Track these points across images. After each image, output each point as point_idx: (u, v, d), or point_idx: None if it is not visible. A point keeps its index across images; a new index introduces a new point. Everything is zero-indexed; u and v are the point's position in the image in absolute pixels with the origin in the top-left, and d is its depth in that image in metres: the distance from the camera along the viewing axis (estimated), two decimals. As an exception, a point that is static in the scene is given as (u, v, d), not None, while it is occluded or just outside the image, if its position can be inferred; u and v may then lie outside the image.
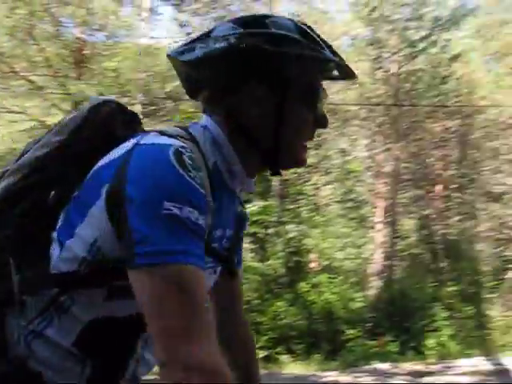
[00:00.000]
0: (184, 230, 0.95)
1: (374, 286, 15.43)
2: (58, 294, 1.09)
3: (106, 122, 1.19)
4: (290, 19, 1.19)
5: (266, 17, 1.18)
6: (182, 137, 1.09)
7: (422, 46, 16.45)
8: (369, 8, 16.46)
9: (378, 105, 16.20)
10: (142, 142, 1.05)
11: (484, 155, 18.59)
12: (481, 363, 11.65)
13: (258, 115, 1.14)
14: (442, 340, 13.27)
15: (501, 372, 10.88)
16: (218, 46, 1.12)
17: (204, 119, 1.19)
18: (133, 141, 1.07)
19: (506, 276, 16.52)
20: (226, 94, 1.16)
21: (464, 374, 10.10)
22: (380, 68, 17.27)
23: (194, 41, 1.19)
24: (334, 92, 15.01)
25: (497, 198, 18.39)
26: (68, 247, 1.08)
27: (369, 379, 10.20)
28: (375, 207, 16.66)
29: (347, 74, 1.24)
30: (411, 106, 14.06)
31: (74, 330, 1.09)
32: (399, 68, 16.88)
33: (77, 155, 1.16)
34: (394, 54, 16.83)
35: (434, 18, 16.86)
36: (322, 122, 1.21)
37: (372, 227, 16.84)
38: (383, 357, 12.23)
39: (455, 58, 17.17)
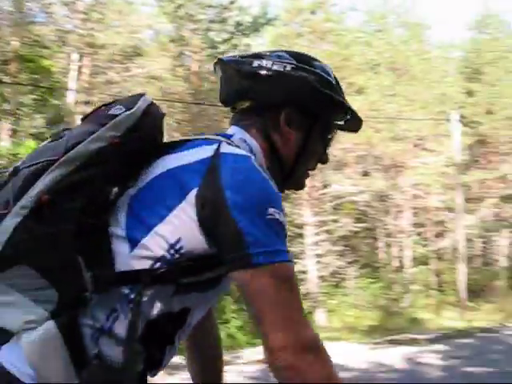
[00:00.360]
0: (283, 233, 1.09)
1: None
2: (129, 291, 1.10)
3: (155, 124, 1.23)
4: (327, 65, 1.38)
5: (311, 58, 1.37)
6: None
7: (223, 48, 17.02)
8: (174, 5, 16.63)
9: (178, 101, 16.37)
10: (223, 151, 1.14)
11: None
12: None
13: (290, 138, 1.30)
14: (231, 331, 13.87)
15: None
16: (275, 67, 1.29)
17: (237, 131, 1.30)
18: (208, 148, 1.15)
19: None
20: (268, 109, 1.30)
21: (249, 362, 10.65)
22: (181, 65, 17.50)
23: (250, 56, 1.35)
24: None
25: (285, 197, 19.69)
26: (143, 245, 1.11)
27: (161, 373, 10.29)
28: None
29: (353, 127, 1.43)
30: (211, 105, 14.39)
31: (140, 326, 1.10)
32: (200, 67, 17.26)
33: (128, 153, 1.17)
34: (196, 53, 17.18)
35: (236, 22, 17.58)
36: (325, 159, 1.41)
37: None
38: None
39: (254, 63, 18.05)
